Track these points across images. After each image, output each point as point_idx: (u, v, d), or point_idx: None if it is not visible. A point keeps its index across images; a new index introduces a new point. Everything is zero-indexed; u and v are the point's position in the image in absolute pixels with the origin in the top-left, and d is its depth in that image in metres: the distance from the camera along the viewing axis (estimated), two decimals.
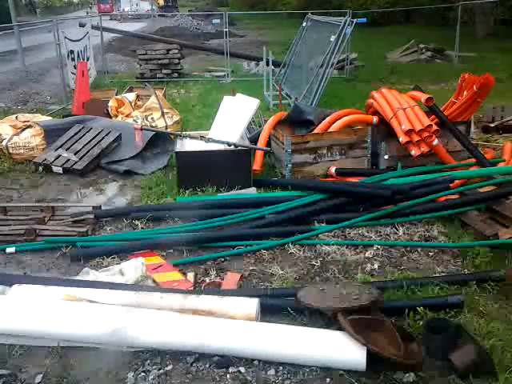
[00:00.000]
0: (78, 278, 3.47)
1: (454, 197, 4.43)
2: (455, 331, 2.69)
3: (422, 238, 4.06)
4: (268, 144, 5.70)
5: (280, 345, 2.66)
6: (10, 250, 3.97)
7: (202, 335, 2.72)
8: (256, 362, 2.68)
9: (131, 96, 7.74)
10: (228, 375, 2.61)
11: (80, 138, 6.15)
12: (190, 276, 3.53)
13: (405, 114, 5.02)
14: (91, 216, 4.43)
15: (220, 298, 2.99)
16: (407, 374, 2.54)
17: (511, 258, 3.62)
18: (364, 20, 11.29)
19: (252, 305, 2.91)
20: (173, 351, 2.75)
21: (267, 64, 9.81)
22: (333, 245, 3.93)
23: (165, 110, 7.16)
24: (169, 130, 6.84)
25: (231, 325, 2.76)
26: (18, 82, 11.92)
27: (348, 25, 8.11)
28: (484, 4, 16.87)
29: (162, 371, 2.65)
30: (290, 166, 5.14)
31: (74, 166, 5.76)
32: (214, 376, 2.61)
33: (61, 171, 5.76)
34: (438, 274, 3.51)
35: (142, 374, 2.64)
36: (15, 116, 6.98)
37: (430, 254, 3.84)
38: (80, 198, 5.15)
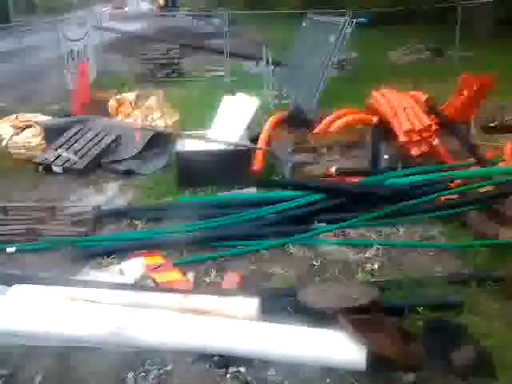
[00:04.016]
0: (77, 278, 3.47)
1: (454, 197, 4.43)
2: (455, 331, 2.69)
3: (422, 238, 4.06)
4: (268, 144, 5.70)
5: (280, 345, 2.66)
6: (10, 249, 3.96)
7: (202, 335, 2.72)
8: (256, 362, 2.67)
9: (131, 96, 7.74)
10: (228, 375, 2.61)
11: (80, 138, 6.15)
12: (190, 276, 3.53)
13: (405, 114, 5.02)
14: (91, 216, 4.43)
15: (220, 298, 2.99)
16: (407, 374, 2.54)
17: (511, 258, 3.62)
18: (364, 20, 11.26)
19: (252, 305, 2.91)
20: (173, 351, 2.75)
21: (267, 64, 9.80)
22: (333, 245, 3.93)
23: (165, 110, 7.16)
24: (169, 130, 6.84)
25: (231, 325, 2.76)
26: (18, 82, 11.91)
27: (348, 25, 8.10)
28: (484, 4, 16.86)
29: (161, 371, 2.65)
30: (290, 165, 5.13)
31: (74, 166, 5.76)
32: (214, 376, 2.61)
33: (61, 171, 5.76)
34: (438, 274, 3.51)
35: (142, 373, 2.63)
36: (15, 116, 6.98)
37: (430, 253, 3.84)
38: (80, 197, 5.15)
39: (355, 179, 4.93)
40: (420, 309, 2.97)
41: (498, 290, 3.26)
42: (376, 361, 2.52)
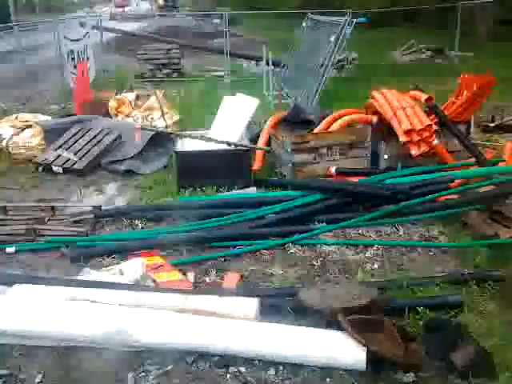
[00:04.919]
0: (78, 278, 3.47)
1: (454, 197, 4.43)
2: (455, 331, 2.69)
3: (422, 238, 4.06)
4: (268, 144, 5.70)
5: (280, 345, 2.66)
6: (10, 250, 3.96)
7: (202, 335, 2.72)
8: (256, 362, 2.67)
9: (131, 96, 7.74)
10: (228, 375, 2.61)
11: (80, 138, 6.15)
12: (190, 276, 3.53)
13: (405, 114, 5.02)
14: (91, 216, 4.43)
15: (220, 298, 2.99)
16: (407, 374, 2.54)
17: (511, 258, 3.62)
18: (364, 20, 11.27)
19: (252, 305, 2.91)
20: (173, 351, 2.75)
21: (267, 64, 9.81)
22: (333, 245, 3.93)
23: (165, 110, 7.16)
24: (169, 130, 6.84)
25: (231, 325, 2.76)
26: (18, 82, 11.90)
27: (348, 25, 8.11)
28: (484, 4, 16.87)
29: (161, 371, 2.65)
30: (290, 165, 5.14)
31: (74, 166, 5.76)
32: (214, 376, 2.61)
33: (61, 171, 5.76)
34: (438, 274, 3.51)
35: (142, 373, 2.64)
36: (15, 116, 6.98)
37: (430, 253, 3.84)
38: (80, 197, 5.15)
39: (355, 179, 4.93)
40: (420, 309, 2.97)
41: (498, 289, 3.26)
42: (376, 361, 2.52)
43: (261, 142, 5.65)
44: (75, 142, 6.08)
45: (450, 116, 5.47)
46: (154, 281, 3.44)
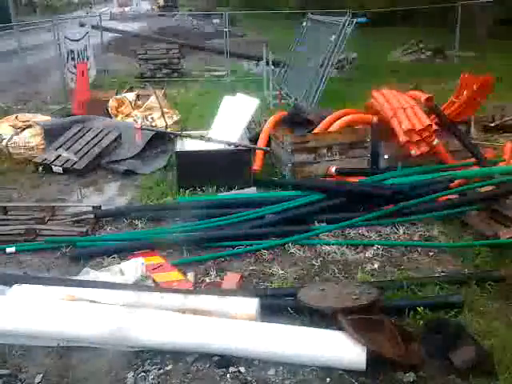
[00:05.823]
0: (77, 278, 3.47)
1: (454, 197, 4.43)
2: (455, 331, 2.69)
3: (422, 238, 4.06)
4: (268, 144, 5.70)
5: (280, 345, 2.66)
6: (10, 249, 3.96)
7: (202, 335, 2.72)
8: (256, 362, 2.67)
9: (131, 96, 7.74)
10: (228, 375, 2.61)
11: (80, 138, 6.15)
12: (190, 276, 3.53)
13: (405, 114, 5.02)
14: (91, 216, 4.43)
15: (220, 298, 2.98)
16: (407, 374, 2.54)
17: (511, 258, 3.62)
18: (364, 20, 11.24)
19: (252, 305, 2.91)
20: (173, 351, 2.75)
21: (267, 64, 9.81)
22: (333, 245, 3.93)
23: (165, 110, 7.16)
24: (169, 130, 6.84)
25: (231, 325, 2.76)
26: (18, 82, 11.90)
27: (348, 25, 8.11)
28: (484, 4, 16.87)
29: (161, 371, 2.65)
30: (290, 165, 5.14)
31: (74, 166, 5.76)
32: (214, 376, 2.61)
33: (61, 171, 5.76)
34: (438, 274, 3.51)
35: (142, 373, 2.63)
36: (15, 116, 6.98)
37: (430, 254, 3.84)
38: (80, 198, 5.15)
39: (355, 179, 4.93)
40: (420, 309, 2.97)
41: (498, 290, 3.26)
42: (376, 361, 2.52)
43: (261, 142, 5.65)
44: (75, 142, 6.08)
45: (449, 116, 5.47)
46: (154, 281, 3.45)
